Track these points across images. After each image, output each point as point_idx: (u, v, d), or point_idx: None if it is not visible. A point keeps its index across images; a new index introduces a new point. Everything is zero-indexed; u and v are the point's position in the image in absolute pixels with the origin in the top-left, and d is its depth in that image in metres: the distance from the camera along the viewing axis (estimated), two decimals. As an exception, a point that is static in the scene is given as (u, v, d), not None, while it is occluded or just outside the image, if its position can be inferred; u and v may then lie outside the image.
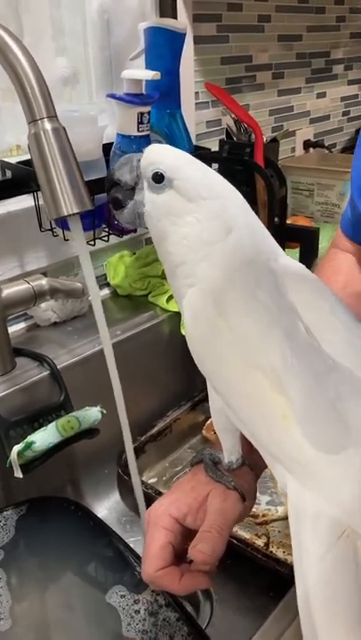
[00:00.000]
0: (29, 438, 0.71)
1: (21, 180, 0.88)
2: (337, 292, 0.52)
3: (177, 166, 0.49)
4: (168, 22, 0.96)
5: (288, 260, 0.51)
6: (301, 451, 0.43)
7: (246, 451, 0.53)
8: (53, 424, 0.74)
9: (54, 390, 0.83)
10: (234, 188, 0.51)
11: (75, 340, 0.92)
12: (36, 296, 0.84)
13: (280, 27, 1.44)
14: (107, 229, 0.96)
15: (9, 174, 0.90)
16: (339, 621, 0.40)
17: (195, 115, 1.24)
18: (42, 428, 0.74)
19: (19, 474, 0.71)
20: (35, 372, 0.85)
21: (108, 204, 0.85)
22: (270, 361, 0.44)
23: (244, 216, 0.50)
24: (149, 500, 0.59)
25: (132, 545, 0.68)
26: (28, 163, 0.87)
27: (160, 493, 0.82)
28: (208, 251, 0.48)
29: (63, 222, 0.87)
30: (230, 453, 0.53)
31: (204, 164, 0.51)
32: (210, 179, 0.50)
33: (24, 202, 0.93)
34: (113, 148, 0.92)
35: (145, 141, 0.90)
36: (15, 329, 0.95)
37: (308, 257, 1.07)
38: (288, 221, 1.18)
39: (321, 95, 1.69)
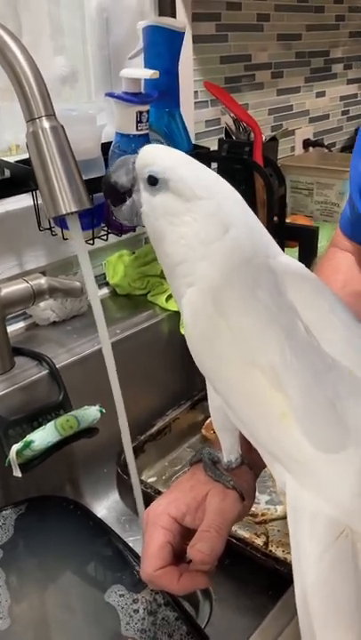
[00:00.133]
0: (28, 437, 0.71)
1: (20, 179, 0.88)
2: (336, 292, 0.52)
3: (172, 167, 0.49)
4: (167, 21, 0.96)
5: (287, 259, 0.51)
6: (300, 449, 0.43)
7: (245, 450, 0.53)
8: (52, 423, 0.74)
9: (53, 389, 0.83)
10: (231, 187, 0.51)
11: (74, 339, 0.92)
12: (35, 295, 0.84)
13: (279, 26, 1.44)
14: (105, 228, 0.96)
15: (7, 173, 0.90)
16: (337, 620, 0.40)
17: (194, 114, 1.24)
18: (41, 428, 0.74)
19: (17, 473, 0.71)
20: (34, 371, 0.85)
21: (106, 203, 0.84)
22: (269, 359, 0.44)
23: (242, 214, 0.50)
24: (148, 500, 0.59)
25: (131, 544, 0.68)
26: (26, 162, 0.87)
27: (159, 493, 0.82)
28: (206, 250, 0.48)
29: (62, 221, 0.87)
30: (229, 453, 0.53)
31: (199, 164, 0.51)
32: (205, 178, 0.50)
33: (23, 201, 0.93)
34: (112, 147, 0.92)
35: (144, 140, 0.90)
36: (14, 328, 0.95)
37: (308, 256, 1.07)
38: (287, 220, 1.18)
39: (320, 94, 1.69)
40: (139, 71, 0.90)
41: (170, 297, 1.03)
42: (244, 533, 0.79)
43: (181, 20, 1.13)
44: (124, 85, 0.88)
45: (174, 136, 1.00)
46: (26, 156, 0.92)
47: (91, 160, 0.87)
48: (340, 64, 1.74)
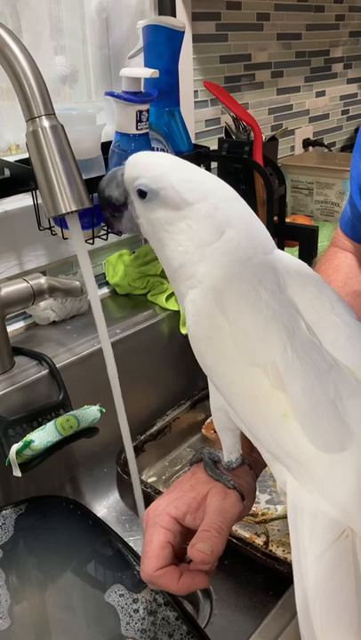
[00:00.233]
0: (28, 437, 0.71)
1: (20, 178, 0.88)
2: (336, 291, 0.52)
3: (159, 177, 0.49)
4: (167, 20, 0.95)
5: (286, 255, 0.51)
6: (301, 449, 0.42)
7: (246, 450, 0.53)
8: (52, 423, 0.74)
9: (53, 389, 0.83)
10: (224, 184, 0.51)
11: (74, 338, 0.92)
12: (35, 295, 0.84)
13: (279, 25, 1.44)
14: (105, 228, 0.96)
15: (7, 173, 0.90)
16: (337, 620, 0.40)
17: (194, 113, 1.24)
18: (41, 427, 0.73)
19: (17, 473, 0.71)
20: (33, 370, 0.84)
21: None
22: (271, 358, 0.44)
23: (237, 212, 0.50)
24: (149, 499, 0.59)
25: (131, 544, 0.67)
26: (26, 161, 0.87)
27: (159, 492, 0.82)
28: (204, 252, 0.48)
29: (62, 221, 0.87)
30: (230, 452, 0.53)
31: (189, 165, 0.51)
32: (197, 181, 0.49)
33: (23, 200, 0.93)
34: (112, 147, 0.92)
35: (144, 139, 0.90)
36: (14, 328, 0.94)
37: (308, 256, 1.06)
38: (287, 220, 1.18)
39: (320, 94, 1.69)
40: (139, 70, 0.90)
41: (170, 296, 1.03)
42: (244, 533, 0.79)
43: (181, 19, 1.13)
44: (124, 84, 0.88)
45: (174, 135, 1.00)
46: (26, 155, 0.92)
47: (91, 159, 0.87)
48: (340, 63, 1.74)
